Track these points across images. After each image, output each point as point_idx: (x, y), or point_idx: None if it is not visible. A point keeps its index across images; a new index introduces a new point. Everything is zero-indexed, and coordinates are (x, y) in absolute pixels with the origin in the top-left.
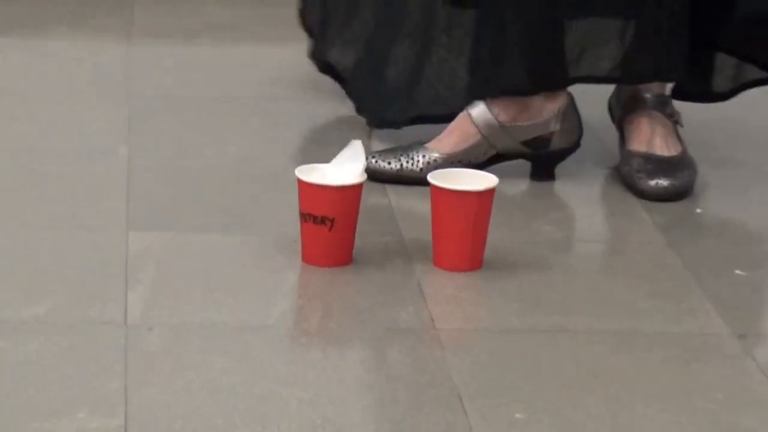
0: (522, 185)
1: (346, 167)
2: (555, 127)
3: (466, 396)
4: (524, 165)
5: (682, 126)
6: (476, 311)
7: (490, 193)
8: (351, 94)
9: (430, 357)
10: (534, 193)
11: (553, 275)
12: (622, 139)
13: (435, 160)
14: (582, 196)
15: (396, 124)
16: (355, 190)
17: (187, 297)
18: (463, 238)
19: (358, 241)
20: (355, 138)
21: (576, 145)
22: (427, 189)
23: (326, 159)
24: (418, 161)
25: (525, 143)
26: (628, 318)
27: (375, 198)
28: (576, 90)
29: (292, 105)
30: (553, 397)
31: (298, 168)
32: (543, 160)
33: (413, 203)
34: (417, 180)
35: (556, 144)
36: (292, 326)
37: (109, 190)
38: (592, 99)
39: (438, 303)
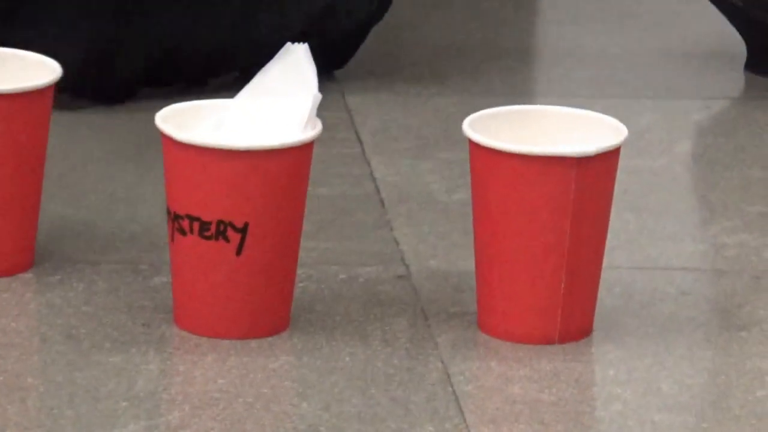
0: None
1: (275, 104)
2: None
3: None
4: None
5: None
6: None
7: (608, 159)
8: None
9: None
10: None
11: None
12: None
13: None
14: None
15: None
16: (295, 158)
17: None
18: (548, 264)
19: (304, 279)
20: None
21: None
22: (459, 155)
23: (224, 87)
24: None
25: None
26: None
27: (342, 178)
28: None
29: None
30: None
31: (164, 110)
32: None
33: (432, 186)
34: None
35: None
36: None
37: None
38: None
39: (491, 421)
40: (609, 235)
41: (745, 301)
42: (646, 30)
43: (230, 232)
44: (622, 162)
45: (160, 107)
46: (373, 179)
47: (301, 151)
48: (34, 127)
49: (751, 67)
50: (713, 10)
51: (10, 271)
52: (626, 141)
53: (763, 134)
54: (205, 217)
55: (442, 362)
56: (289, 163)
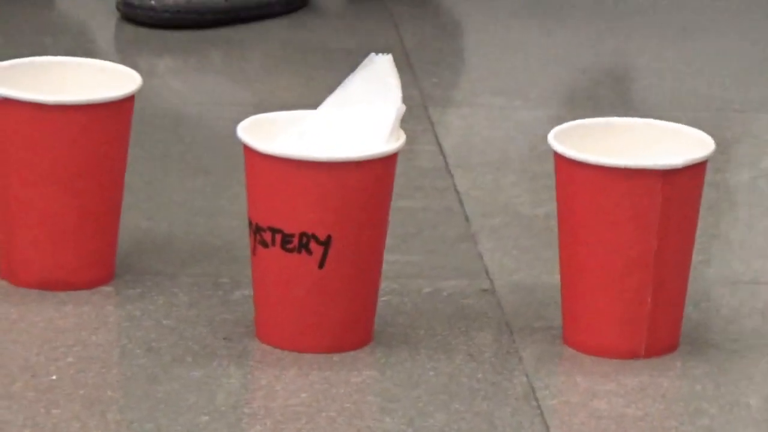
0: None
1: (358, 115)
2: None
3: None
4: None
5: None
6: None
7: (695, 172)
8: None
9: None
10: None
11: None
12: None
13: None
14: None
15: None
16: (379, 170)
17: None
18: (634, 278)
19: (387, 292)
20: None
21: None
22: (543, 168)
23: (311, 98)
24: None
25: None
26: None
27: (425, 191)
28: None
29: None
30: None
31: (246, 121)
32: None
33: (516, 200)
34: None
35: None
36: None
37: None
38: None
39: None
40: (694, 249)
41: None
42: (733, 42)
43: (313, 245)
44: (707, 175)
45: (240, 119)
46: (457, 192)
47: (385, 164)
48: (114, 138)
49: None
50: None
51: (91, 284)
52: (713, 154)
53: None
54: (288, 230)
55: (527, 376)
56: (373, 175)
